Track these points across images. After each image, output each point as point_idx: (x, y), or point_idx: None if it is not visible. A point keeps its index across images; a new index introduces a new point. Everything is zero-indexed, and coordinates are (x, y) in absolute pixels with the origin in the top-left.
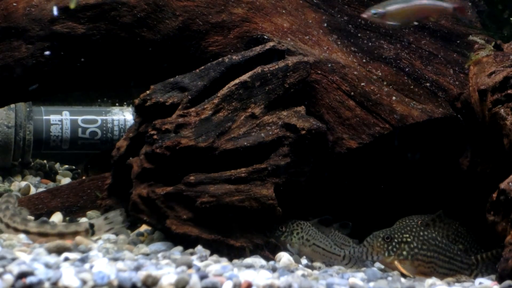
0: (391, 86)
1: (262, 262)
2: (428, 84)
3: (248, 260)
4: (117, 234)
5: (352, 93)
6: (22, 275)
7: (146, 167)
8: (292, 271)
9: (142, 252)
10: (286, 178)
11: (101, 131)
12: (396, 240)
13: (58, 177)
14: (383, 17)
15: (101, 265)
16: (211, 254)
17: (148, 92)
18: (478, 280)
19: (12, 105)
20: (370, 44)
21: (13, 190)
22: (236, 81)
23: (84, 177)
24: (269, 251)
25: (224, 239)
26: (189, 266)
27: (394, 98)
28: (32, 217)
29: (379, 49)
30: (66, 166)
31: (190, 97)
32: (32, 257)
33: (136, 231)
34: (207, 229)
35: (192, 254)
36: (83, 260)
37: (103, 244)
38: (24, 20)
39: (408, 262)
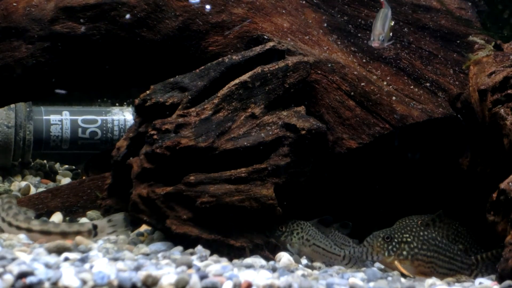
0: (391, 86)
1: (262, 262)
2: (428, 84)
3: (248, 260)
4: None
5: (352, 93)
6: (22, 275)
7: (146, 167)
8: (292, 271)
9: (142, 252)
10: (286, 178)
11: (101, 131)
12: (396, 240)
13: (58, 177)
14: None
15: (101, 265)
16: (211, 254)
17: (148, 92)
18: (478, 280)
19: (12, 105)
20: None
21: (13, 190)
22: (236, 81)
23: (84, 177)
24: (269, 251)
25: (224, 239)
26: (189, 266)
27: (394, 98)
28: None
29: (379, 49)
30: (66, 166)
31: (190, 97)
32: (32, 257)
33: (136, 231)
34: (207, 229)
35: (192, 254)
36: (83, 260)
37: (103, 244)
38: (24, 20)
39: (408, 262)
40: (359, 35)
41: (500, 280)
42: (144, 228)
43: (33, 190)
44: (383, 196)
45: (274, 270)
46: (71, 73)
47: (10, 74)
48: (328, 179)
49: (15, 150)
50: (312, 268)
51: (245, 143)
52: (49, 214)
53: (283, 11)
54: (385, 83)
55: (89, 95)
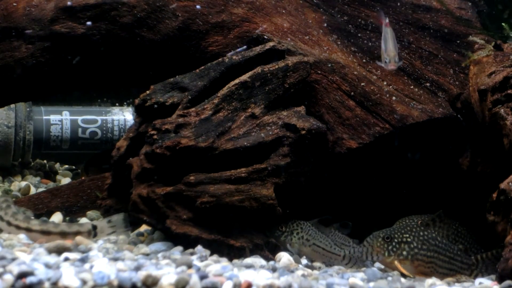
0: (391, 86)
1: (262, 262)
2: (428, 84)
3: (248, 260)
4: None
5: (352, 93)
6: (22, 275)
7: (146, 167)
8: (292, 271)
9: (142, 252)
10: (286, 178)
11: (101, 131)
12: (396, 240)
13: (58, 177)
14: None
15: (101, 265)
16: (211, 254)
17: (148, 92)
18: (478, 280)
19: (12, 105)
20: (370, 44)
21: (13, 190)
22: (236, 81)
23: (84, 177)
24: (269, 251)
25: (224, 239)
26: (189, 266)
27: (394, 98)
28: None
29: (379, 49)
30: (66, 166)
31: (190, 97)
32: (32, 257)
33: (136, 231)
34: (207, 229)
35: (192, 254)
36: (83, 260)
37: (103, 244)
38: (24, 20)
39: (408, 262)
40: (359, 35)
41: (500, 280)
42: (144, 228)
43: (33, 190)
44: (383, 196)
45: (274, 270)
46: (71, 73)
47: (10, 74)
48: (328, 179)
49: (15, 150)
50: (312, 268)
51: (245, 143)
52: (49, 214)
53: (283, 11)
54: (385, 83)
55: (89, 95)
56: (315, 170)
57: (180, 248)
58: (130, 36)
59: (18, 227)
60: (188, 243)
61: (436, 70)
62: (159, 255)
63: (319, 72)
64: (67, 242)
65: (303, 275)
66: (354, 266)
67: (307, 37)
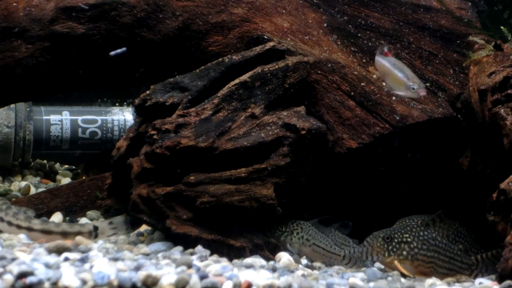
0: None
1: (262, 262)
2: (428, 84)
3: (248, 260)
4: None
5: (352, 93)
6: (22, 275)
7: (146, 167)
8: (292, 271)
9: (142, 252)
10: (286, 178)
11: (101, 131)
12: (396, 240)
13: (58, 177)
14: None
15: (101, 265)
16: (211, 254)
17: (148, 92)
18: (478, 280)
19: (12, 105)
20: (370, 44)
21: (13, 190)
22: (236, 81)
23: (84, 177)
24: (269, 251)
25: (224, 239)
26: (189, 266)
27: (394, 98)
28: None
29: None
30: (66, 166)
31: (190, 97)
32: (32, 257)
33: (136, 231)
34: (207, 229)
35: (192, 254)
36: (83, 260)
37: (103, 244)
38: (24, 20)
39: (408, 262)
40: (359, 35)
41: (500, 280)
42: (144, 228)
43: (33, 190)
44: (383, 196)
45: (274, 270)
46: (71, 73)
47: (10, 74)
48: (328, 179)
49: (15, 150)
50: (312, 268)
51: (245, 143)
52: (49, 214)
53: (283, 11)
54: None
55: (89, 95)
56: (315, 170)
57: (180, 248)
58: (130, 36)
59: (19, 227)
60: (188, 243)
61: (436, 70)
62: (159, 255)
63: (319, 72)
64: (67, 242)
65: (303, 275)
66: (354, 266)
67: (307, 37)
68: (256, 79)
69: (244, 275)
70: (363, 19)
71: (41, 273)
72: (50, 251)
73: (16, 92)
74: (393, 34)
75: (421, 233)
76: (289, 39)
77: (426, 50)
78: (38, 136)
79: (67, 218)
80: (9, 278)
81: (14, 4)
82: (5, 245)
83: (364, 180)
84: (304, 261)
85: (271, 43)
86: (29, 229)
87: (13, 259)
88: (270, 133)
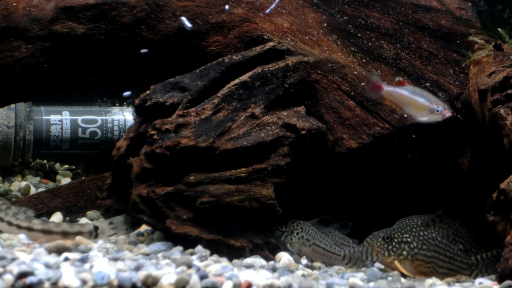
0: None
1: (262, 262)
2: (428, 84)
3: (248, 260)
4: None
5: (352, 93)
6: (22, 275)
7: (146, 167)
8: (292, 271)
9: (142, 252)
10: (286, 178)
11: (101, 131)
12: (396, 240)
13: (58, 177)
14: None
15: (101, 265)
16: (211, 254)
17: (148, 92)
18: (478, 280)
19: (12, 105)
20: (370, 44)
21: (13, 190)
22: (236, 81)
23: (84, 177)
24: (269, 251)
25: (224, 239)
26: (189, 266)
27: None
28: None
29: (379, 49)
30: (66, 166)
31: (190, 97)
32: (32, 257)
33: (136, 231)
34: (207, 229)
35: (192, 254)
36: (83, 260)
37: (103, 244)
38: (24, 20)
39: (408, 262)
40: (359, 35)
41: (500, 280)
42: (144, 228)
43: (33, 190)
44: (383, 196)
45: (274, 270)
46: (71, 73)
47: (10, 74)
48: (328, 179)
49: (15, 150)
50: (312, 268)
51: (245, 143)
52: (49, 214)
53: (283, 11)
54: (385, 83)
55: (89, 95)
56: (315, 170)
57: (180, 248)
58: (130, 36)
59: (19, 227)
60: (188, 243)
61: (436, 70)
62: (159, 255)
63: (319, 72)
64: (67, 242)
65: (303, 275)
66: (354, 266)
67: (307, 37)
68: (256, 79)
69: (244, 275)
70: (363, 19)
71: (41, 273)
72: (50, 251)
73: (16, 92)
74: (393, 34)
75: (421, 233)
76: (289, 39)
77: (426, 50)
78: (38, 136)
79: (67, 218)
80: (9, 278)
81: (14, 4)
82: (5, 245)
83: (364, 180)
84: (304, 261)
85: (271, 43)
86: (29, 229)
87: (13, 259)
88: (270, 133)
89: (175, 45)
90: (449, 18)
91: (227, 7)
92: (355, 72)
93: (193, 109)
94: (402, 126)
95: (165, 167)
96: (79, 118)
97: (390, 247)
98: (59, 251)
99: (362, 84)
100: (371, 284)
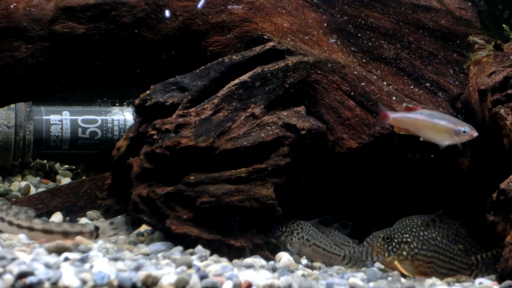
0: (391, 86)
1: (262, 262)
2: (428, 84)
3: (248, 260)
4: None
5: (352, 93)
6: (22, 275)
7: (146, 167)
8: (292, 271)
9: (142, 252)
10: (286, 178)
11: (101, 131)
12: (396, 240)
13: (58, 177)
14: None
15: (101, 265)
16: (211, 254)
17: (148, 92)
18: (478, 280)
19: (12, 105)
20: (370, 44)
21: (13, 190)
22: (236, 81)
23: (84, 177)
24: (269, 251)
25: (224, 239)
26: (189, 266)
27: (394, 98)
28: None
29: (379, 49)
30: (66, 166)
31: (190, 97)
32: (32, 257)
33: (136, 231)
34: (207, 229)
35: (192, 254)
36: (83, 260)
37: (103, 244)
38: (24, 20)
39: (408, 262)
40: (359, 35)
41: (500, 280)
42: (144, 228)
43: (33, 190)
44: (383, 196)
45: (274, 270)
46: (71, 73)
47: (10, 74)
48: (328, 179)
49: (15, 150)
50: (312, 268)
51: (245, 143)
52: (49, 214)
53: (283, 11)
54: (385, 83)
55: (89, 95)
56: (315, 170)
57: (180, 248)
58: (130, 36)
59: (20, 226)
60: (188, 243)
61: (436, 70)
62: (159, 255)
63: (319, 72)
64: (67, 242)
65: (303, 275)
66: (354, 266)
67: (307, 37)
68: (256, 79)
69: (244, 275)
70: (363, 19)
71: (41, 273)
72: (50, 251)
73: (16, 92)
74: (393, 34)
75: (421, 233)
76: (289, 39)
77: (426, 50)
78: (38, 136)
79: (67, 218)
80: (9, 278)
81: (14, 4)
82: (5, 245)
83: (364, 180)
84: (304, 261)
85: (271, 43)
86: (30, 229)
87: (13, 259)
88: (270, 133)
89: (175, 45)
90: (449, 18)
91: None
92: (355, 72)
93: (193, 109)
94: None
95: (165, 167)
96: (79, 118)
97: (390, 247)
98: (59, 251)
99: (362, 84)
100: (371, 284)
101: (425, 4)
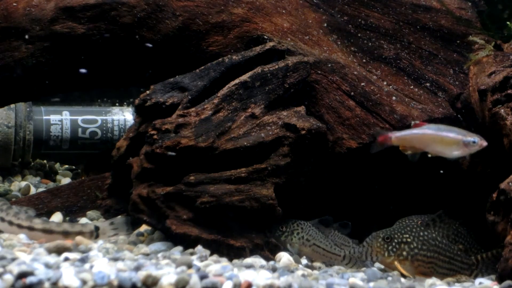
0: (391, 86)
1: (262, 262)
2: (428, 84)
3: (248, 260)
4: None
5: (352, 93)
6: (22, 275)
7: (146, 167)
8: (292, 271)
9: (142, 252)
10: (286, 178)
11: (101, 131)
12: (396, 240)
13: (58, 177)
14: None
15: (101, 265)
16: (211, 254)
17: (148, 92)
18: (478, 280)
19: (12, 105)
20: (370, 44)
21: (13, 190)
22: (236, 81)
23: (84, 177)
24: (269, 251)
25: (224, 239)
26: (189, 266)
27: (394, 98)
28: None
29: (379, 49)
30: (66, 166)
31: (190, 97)
32: (32, 257)
33: (136, 231)
34: (207, 229)
35: (192, 254)
36: (83, 260)
37: (103, 244)
38: (24, 20)
39: (408, 262)
40: (359, 35)
41: (500, 280)
42: (144, 228)
43: (33, 190)
44: (383, 196)
45: (274, 270)
46: (71, 73)
47: (10, 74)
48: (328, 179)
49: (15, 150)
50: (312, 268)
51: (245, 143)
52: (49, 214)
53: (283, 11)
54: (385, 83)
55: (89, 95)
56: (315, 170)
57: (180, 248)
58: (130, 36)
59: (20, 226)
60: (188, 243)
61: (436, 70)
62: (159, 255)
63: (319, 72)
64: (67, 242)
65: (303, 275)
66: (354, 266)
67: (307, 37)
68: (256, 79)
69: (244, 275)
70: (363, 19)
71: (41, 273)
72: (50, 251)
73: (16, 92)
74: (393, 34)
75: (421, 233)
76: (289, 39)
77: (426, 50)
78: (38, 136)
79: (67, 218)
80: (9, 278)
81: (14, 4)
82: (5, 245)
83: (364, 180)
84: (304, 261)
85: (271, 43)
86: (30, 229)
87: (13, 259)
88: (270, 133)
89: (175, 45)
90: (449, 18)
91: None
92: (355, 72)
93: (193, 109)
94: (402, 126)
95: (165, 167)
96: (79, 118)
97: (390, 248)
98: (59, 251)
99: (362, 84)
100: (371, 284)
101: (425, 4)
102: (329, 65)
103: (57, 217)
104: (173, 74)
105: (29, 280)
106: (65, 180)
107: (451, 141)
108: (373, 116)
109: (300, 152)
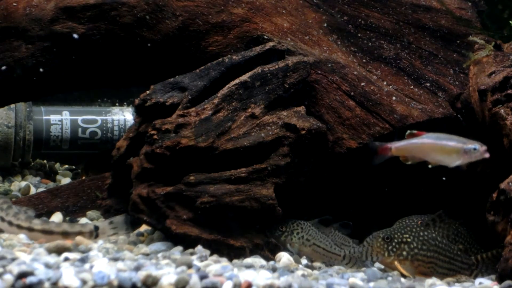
0: (391, 86)
1: (262, 262)
2: (428, 84)
3: (248, 260)
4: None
5: (352, 93)
6: (22, 275)
7: (146, 167)
8: (292, 271)
9: (142, 252)
10: (286, 178)
11: (101, 131)
12: (396, 240)
13: (58, 177)
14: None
15: (101, 265)
16: (211, 254)
17: (148, 92)
18: (478, 280)
19: (12, 105)
20: (370, 44)
21: (13, 190)
22: (236, 81)
23: (84, 177)
24: (269, 251)
25: (224, 239)
26: (189, 266)
27: (394, 98)
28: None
29: (379, 49)
30: (66, 166)
31: (190, 97)
32: (32, 257)
33: (136, 231)
34: (207, 229)
35: (192, 254)
36: (83, 260)
37: (103, 244)
38: (24, 20)
39: (408, 262)
40: (359, 35)
41: (500, 280)
42: (144, 228)
43: (33, 190)
44: (383, 196)
45: (274, 270)
46: (71, 73)
47: (10, 74)
48: (328, 179)
49: (15, 150)
50: (312, 268)
51: (245, 143)
52: (49, 214)
53: (283, 11)
54: (385, 83)
55: (89, 95)
56: (315, 170)
57: (180, 248)
58: (130, 36)
59: (20, 227)
60: (188, 243)
61: (436, 70)
62: (159, 255)
63: (319, 72)
64: (67, 242)
65: (303, 275)
66: (354, 266)
67: (307, 37)
68: (256, 79)
69: (244, 275)
70: (363, 19)
71: (41, 273)
72: (50, 251)
73: (16, 92)
74: (393, 34)
75: (421, 233)
76: (289, 39)
77: (426, 50)
78: (38, 136)
79: (67, 218)
80: (9, 278)
81: (14, 4)
82: (5, 245)
83: (364, 180)
84: (304, 261)
85: (271, 43)
86: (30, 229)
87: (13, 259)
88: (270, 133)
89: (175, 45)
90: (449, 18)
91: None
92: (355, 72)
93: (193, 109)
94: (402, 126)
95: (165, 167)
96: (79, 118)
97: (390, 247)
98: (59, 251)
99: (362, 84)
100: (371, 284)
101: (425, 4)
102: (329, 65)
103: (57, 217)
104: (173, 74)
105: (29, 280)
106: (65, 180)
107: (451, 149)
108: (373, 116)
109: (300, 152)
